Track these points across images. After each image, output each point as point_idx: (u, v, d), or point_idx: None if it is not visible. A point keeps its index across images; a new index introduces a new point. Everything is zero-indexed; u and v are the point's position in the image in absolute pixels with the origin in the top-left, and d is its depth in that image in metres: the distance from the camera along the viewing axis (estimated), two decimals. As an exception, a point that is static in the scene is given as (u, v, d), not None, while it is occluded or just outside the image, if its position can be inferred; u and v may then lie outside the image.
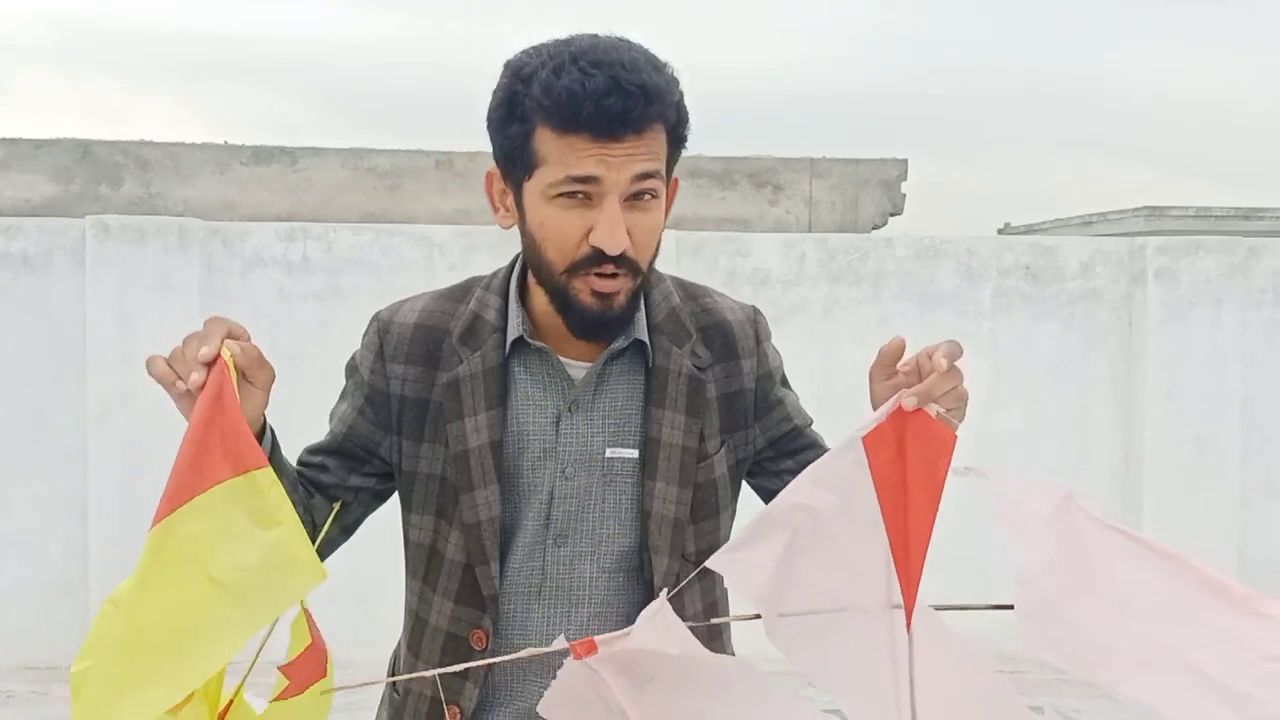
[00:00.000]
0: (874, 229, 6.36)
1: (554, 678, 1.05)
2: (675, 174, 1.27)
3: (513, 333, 1.29)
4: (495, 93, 1.22)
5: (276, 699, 1.08)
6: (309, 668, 1.09)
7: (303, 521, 1.09)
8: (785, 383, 1.41)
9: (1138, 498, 5.03)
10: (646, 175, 1.17)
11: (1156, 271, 5.03)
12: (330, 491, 1.35)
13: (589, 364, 1.29)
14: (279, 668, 1.08)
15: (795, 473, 1.11)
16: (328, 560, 1.14)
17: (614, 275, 1.19)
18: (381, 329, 1.35)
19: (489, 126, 1.23)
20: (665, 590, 1.08)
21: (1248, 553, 5.08)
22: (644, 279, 1.24)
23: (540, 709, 1.07)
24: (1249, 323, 5.10)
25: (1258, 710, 0.99)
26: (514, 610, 1.29)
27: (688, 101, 1.24)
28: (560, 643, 1.04)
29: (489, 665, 1.23)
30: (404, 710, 1.33)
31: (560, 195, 1.17)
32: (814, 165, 6.39)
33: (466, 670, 1.22)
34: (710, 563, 1.06)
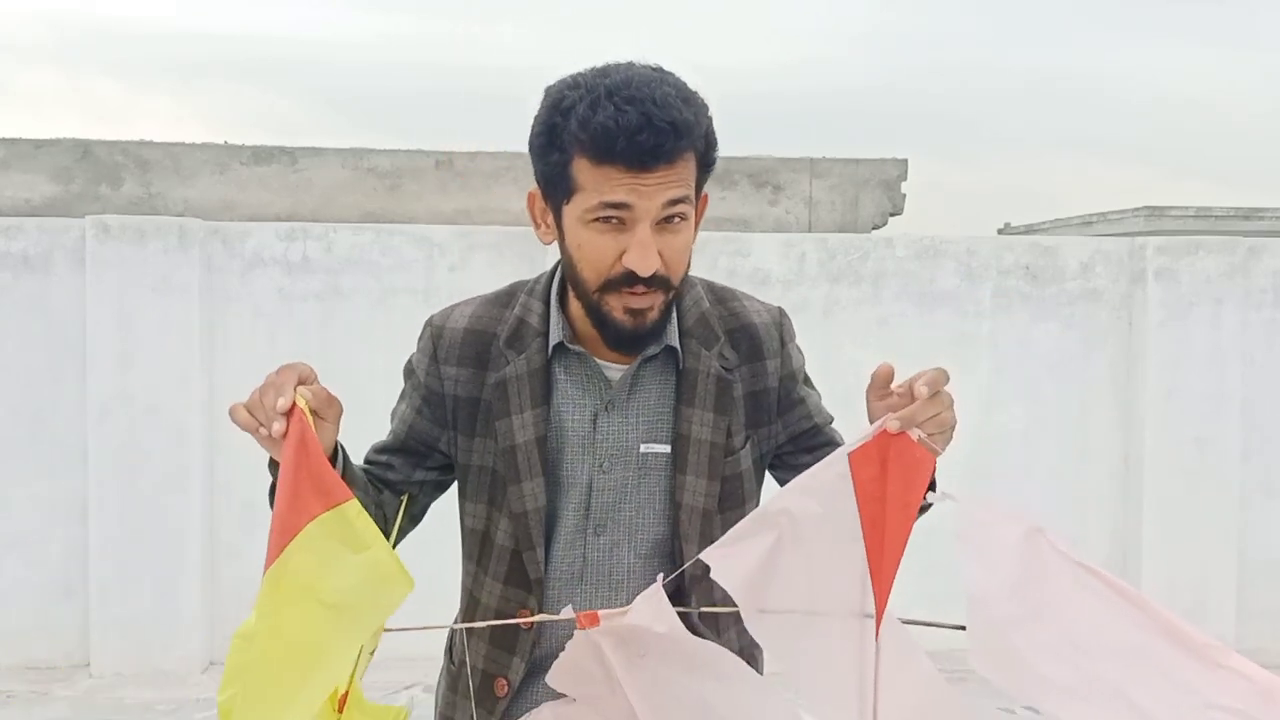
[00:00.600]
0: (874, 229, 6.35)
1: None
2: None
3: (554, 337, 1.39)
4: (536, 121, 1.30)
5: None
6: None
7: (375, 516, 1.20)
8: (808, 382, 1.50)
9: (1138, 498, 5.03)
10: (676, 201, 1.26)
11: (1156, 271, 5.02)
12: (397, 486, 1.46)
13: (625, 366, 1.39)
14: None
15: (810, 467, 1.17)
16: (398, 547, 1.27)
17: (645, 293, 1.29)
18: (435, 334, 1.45)
19: (531, 151, 1.32)
20: (662, 575, 1.16)
21: (1248, 553, 5.08)
22: (675, 293, 1.33)
23: (549, 679, 1.17)
24: (1249, 323, 5.09)
25: None
26: (558, 593, 1.40)
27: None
28: (568, 612, 1.14)
29: (529, 637, 1.35)
30: (459, 681, 1.45)
31: (596, 220, 1.26)
32: (814, 165, 6.39)
33: (514, 646, 1.39)
34: (703, 555, 1.12)
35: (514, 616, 1.37)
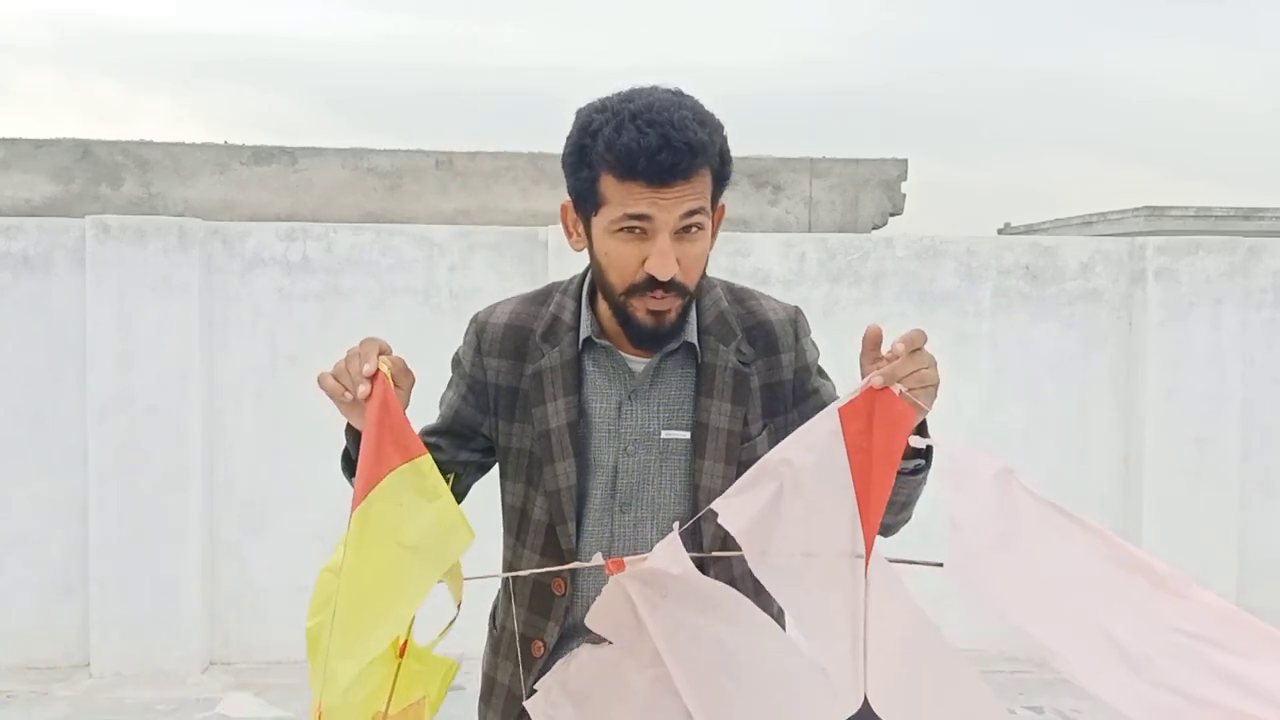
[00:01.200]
0: (874, 229, 6.35)
1: None
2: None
3: (584, 333, 1.54)
4: (568, 140, 1.45)
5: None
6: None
7: None
8: (822, 373, 1.62)
9: (1138, 498, 5.03)
10: (693, 212, 1.41)
11: (1156, 271, 5.02)
12: (443, 466, 1.53)
13: (648, 359, 1.53)
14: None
15: None
16: None
17: (665, 296, 1.43)
18: (479, 329, 1.62)
19: (563, 168, 1.47)
20: (678, 524, 1.31)
21: (1248, 553, 5.08)
22: (692, 296, 1.48)
23: (588, 620, 1.32)
24: (1249, 323, 5.10)
25: (1154, 675, 1.08)
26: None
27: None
28: (598, 559, 1.30)
29: (562, 604, 1.52)
30: (501, 644, 1.61)
31: (621, 230, 1.41)
32: (814, 165, 6.39)
33: (549, 611, 1.53)
34: (714, 504, 1.25)
35: (548, 584, 1.53)
